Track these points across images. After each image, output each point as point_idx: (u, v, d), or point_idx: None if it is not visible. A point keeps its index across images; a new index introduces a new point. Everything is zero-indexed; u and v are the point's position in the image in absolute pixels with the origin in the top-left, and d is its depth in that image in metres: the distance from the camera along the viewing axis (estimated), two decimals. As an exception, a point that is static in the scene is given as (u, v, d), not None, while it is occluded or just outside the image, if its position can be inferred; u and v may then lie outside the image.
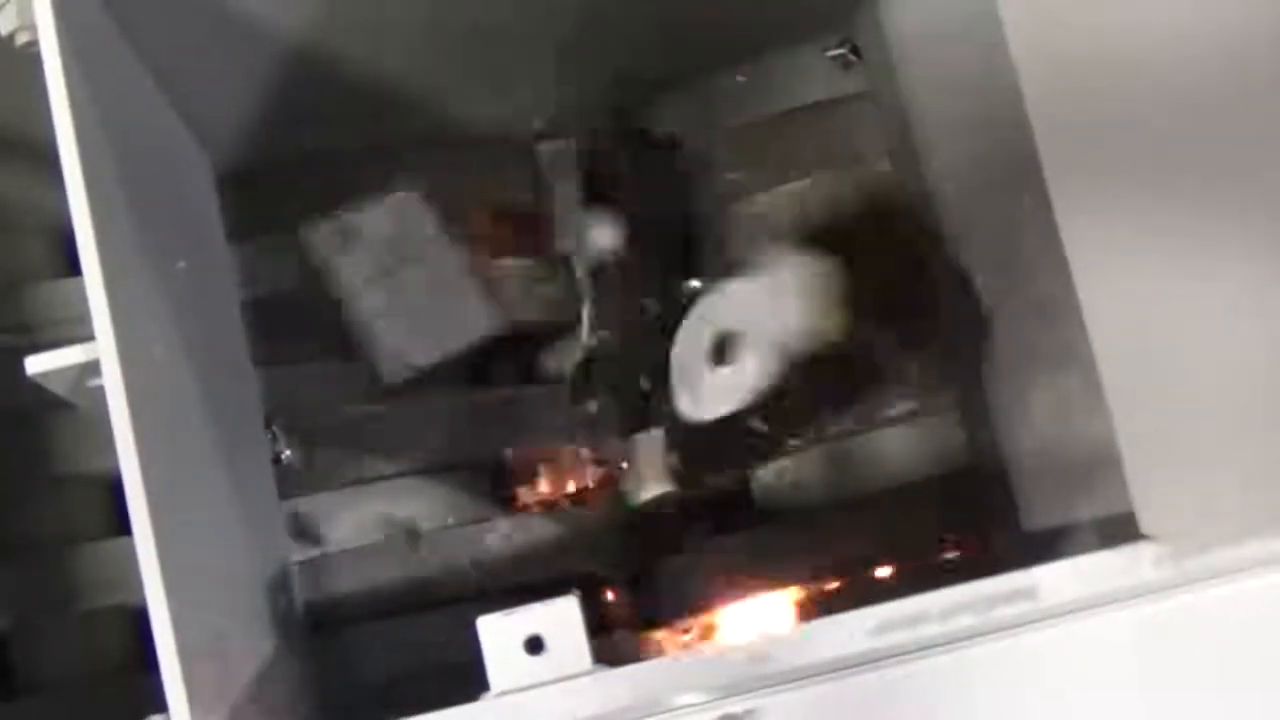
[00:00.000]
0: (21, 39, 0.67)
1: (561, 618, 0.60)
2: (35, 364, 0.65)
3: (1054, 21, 0.66)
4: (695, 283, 0.91)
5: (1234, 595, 0.62)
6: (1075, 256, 0.64)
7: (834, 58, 0.92)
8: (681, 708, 0.61)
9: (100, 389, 0.62)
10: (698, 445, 0.89)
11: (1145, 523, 0.62)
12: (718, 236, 0.93)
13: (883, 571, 0.86)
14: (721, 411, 0.87)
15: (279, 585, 0.83)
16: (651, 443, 0.91)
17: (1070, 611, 0.61)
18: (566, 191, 0.96)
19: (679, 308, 0.90)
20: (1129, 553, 0.61)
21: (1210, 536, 0.61)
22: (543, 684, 0.59)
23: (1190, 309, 0.64)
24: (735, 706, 0.61)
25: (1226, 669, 0.62)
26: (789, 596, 0.86)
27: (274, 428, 0.87)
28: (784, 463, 0.90)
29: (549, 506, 0.89)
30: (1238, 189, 0.65)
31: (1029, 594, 0.60)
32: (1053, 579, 0.60)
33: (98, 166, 0.65)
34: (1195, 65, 0.65)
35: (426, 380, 0.89)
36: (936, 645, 0.61)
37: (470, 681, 0.61)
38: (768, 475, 0.90)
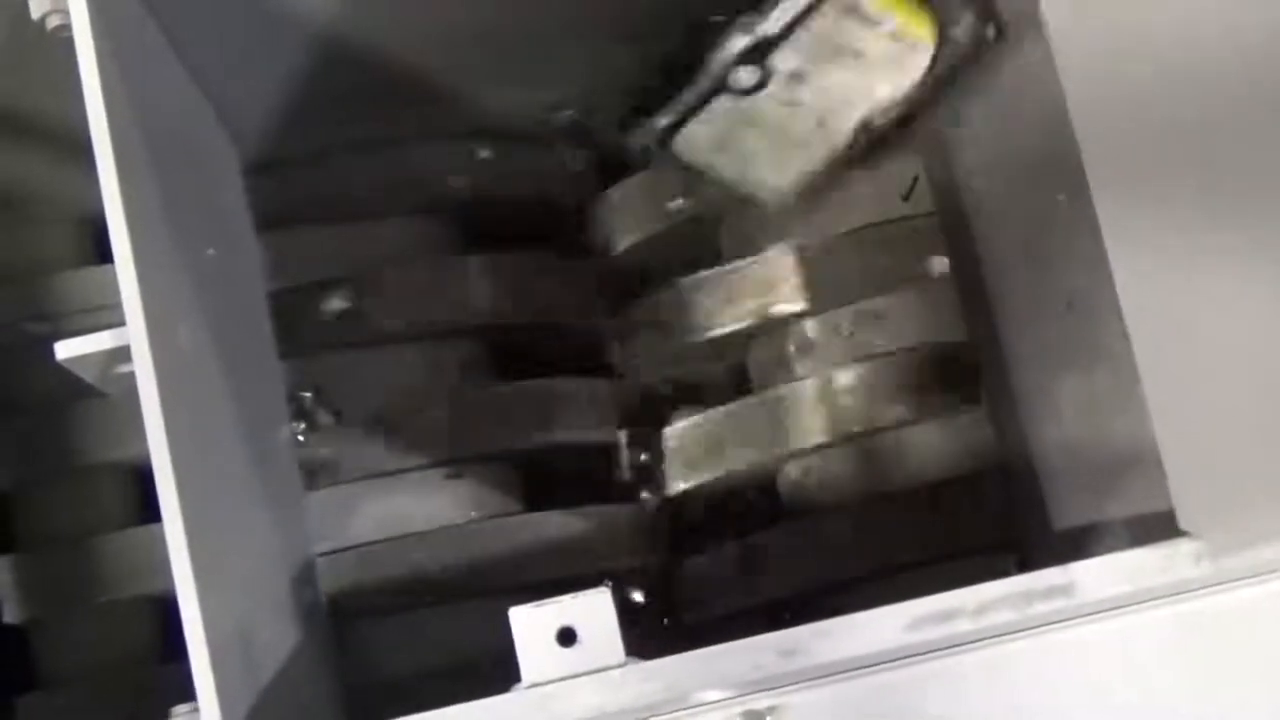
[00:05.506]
0: (53, 22, 0.67)
1: (594, 610, 0.60)
2: (65, 349, 0.65)
3: (1096, 14, 0.65)
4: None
5: (1274, 593, 0.61)
6: (1115, 252, 0.64)
7: (862, 50, 0.92)
8: (705, 704, 0.61)
9: (129, 375, 0.62)
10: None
11: (1184, 519, 0.61)
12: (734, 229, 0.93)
13: (912, 568, 0.85)
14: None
15: (304, 577, 0.83)
16: (684, 434, 0.91)
17: (1107, 609, 0.61)
18: (593, 182, 0.96)
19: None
20: (1167, 550, 0.60)
21: (1250, 534, 0.60)
22: (575, 676, 0.59)
23: (1230, 306, 0.63)
24: (759, 703, 0.61)
25: (1266, 667, 0.61)
26: (819, 592, 0.85)
27: (299, 416, 0.87)
28: (811, 460, 0.89)
29: (578, 500, 0.89)
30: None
31: (1066, 591, 0.59)
32: (1090, 576, 0.59)
33: (129, 152, 0.65)
34: (1243, 62, 0.65)
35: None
36: (970, 642, 0.61)
37: (495, 676, 0.60)
38: (794, 472, 0.90)
